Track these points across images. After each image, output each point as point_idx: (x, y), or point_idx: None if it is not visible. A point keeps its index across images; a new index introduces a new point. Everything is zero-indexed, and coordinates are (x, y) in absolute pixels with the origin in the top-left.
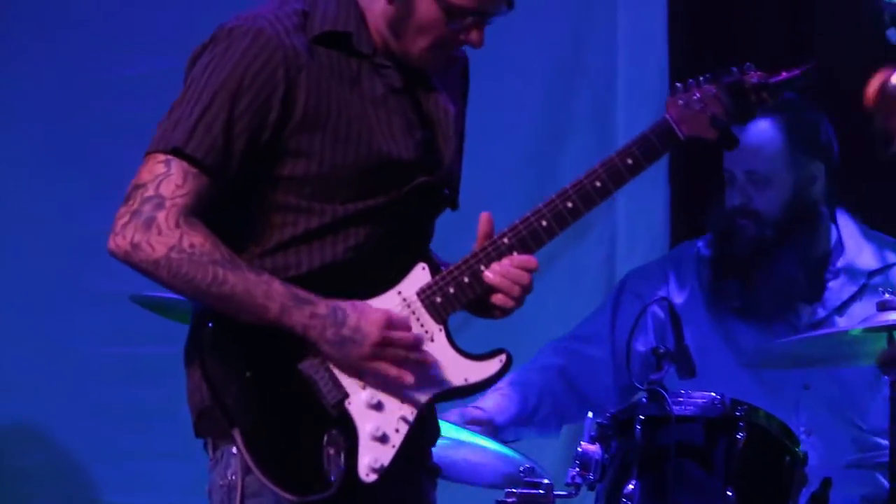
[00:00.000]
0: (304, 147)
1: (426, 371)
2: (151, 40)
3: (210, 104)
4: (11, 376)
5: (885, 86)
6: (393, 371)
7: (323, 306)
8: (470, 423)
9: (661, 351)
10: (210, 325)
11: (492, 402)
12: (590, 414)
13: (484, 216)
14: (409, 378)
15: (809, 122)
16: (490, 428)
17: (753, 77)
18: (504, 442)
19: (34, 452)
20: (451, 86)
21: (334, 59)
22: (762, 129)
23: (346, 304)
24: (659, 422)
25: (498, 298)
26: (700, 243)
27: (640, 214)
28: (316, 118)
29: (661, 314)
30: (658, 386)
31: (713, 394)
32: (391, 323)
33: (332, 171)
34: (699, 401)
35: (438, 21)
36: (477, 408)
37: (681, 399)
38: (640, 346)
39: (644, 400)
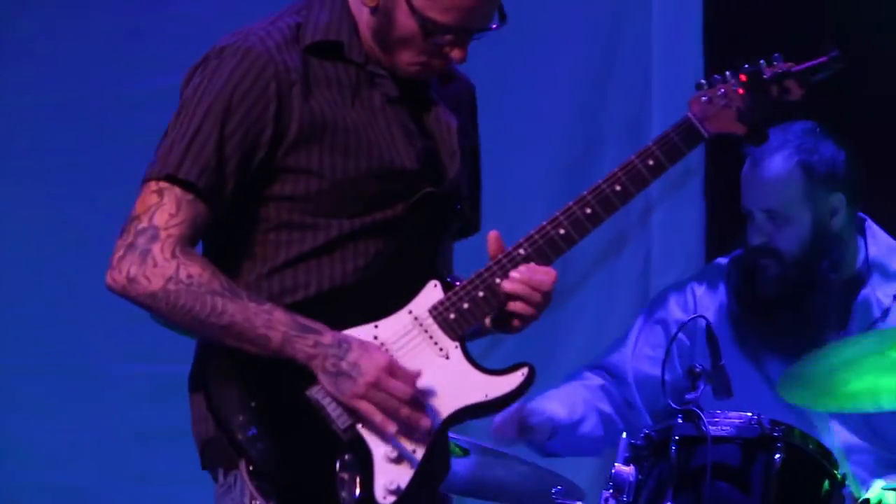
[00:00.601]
0: (303, 164)
1: (442, 389)
2: (173, 53)
3: (201, 125)
4: (31, 395)
5: None
6: (378, 417)
7: (329, 336)
8: (528, 428)
9: (698, 370)
10: (214, 354)
11: (545, 403)
12: (624, 434)
13: (492, 235)
14: (391, 429)
15: (826, 154)
16: (547, 424)
17: (779, 67)
18: (551, 455)
19: (54, 473)
20: (455, 103)
21: (330, 69)
22: (777, 166)
23: (354, 340)
24: (695, 442)
25: (517, 306)
26: (729, 266)
27: (675, 230)
28: (312, 133)
29: (686, 342)
30: (694, 405)
31: (750, 414)
32: (392, 370)
33: (334, 185)
34: (736, 421)
35: (417, 35)
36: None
37: (717, 419)
38: (666, 377)
39: (679, 420)
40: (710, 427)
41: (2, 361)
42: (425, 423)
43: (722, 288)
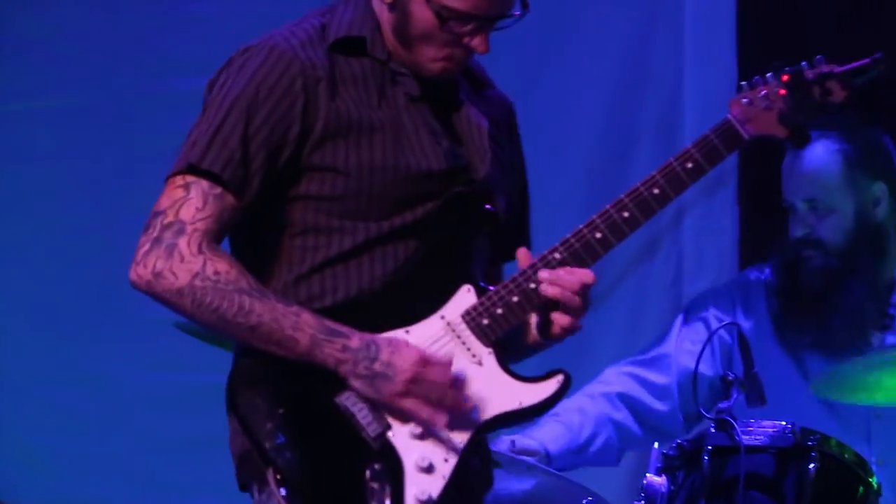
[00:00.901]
0: (329, 161)
1: (475, 396)
2: (194, 55)
3: (225, 119)
4: (52, 406)
5: None
6: (425, 412)
7: (356, 339)
8: (520, 453)
9: (730, 378)
10: (242, 360)
11: (545, 430)
12: (655, 444)
13: (521, 252)
14: (441, 421)
15: (868, 142)
16: (542, 458)
17: (822, 68)
18: (560, 470)
19: (76, 484)
20: (489, 114)
21: (356, 65)
22: (818, 155)
23: (380, 339)
24: (728, 452)
25: (555, 311)
26: (767, 269)
27: (707, 235)
28: (338, 130)
29: (728, 339)
30: (727, 414)
31: (783, 422)
32: (426, 360)
33: (360, 185)
34: (769, 430)
35: (434, 27)
36: (528, 437)
37: (750, 428)
38: (707, 372)
39: (712, 429)
40: (743, 436)
41: (24, 370)
42: (471, 401)
43: (761, 293)
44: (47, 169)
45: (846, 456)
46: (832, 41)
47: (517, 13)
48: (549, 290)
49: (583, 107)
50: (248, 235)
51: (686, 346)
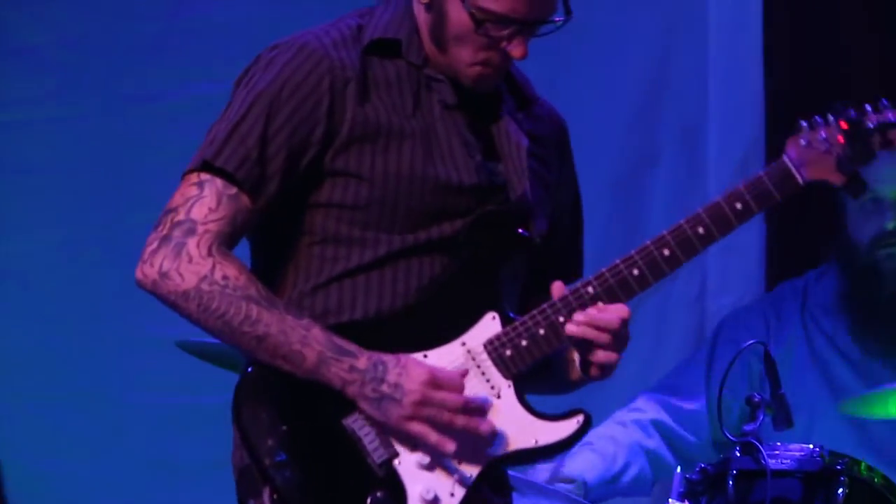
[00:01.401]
0: (353, 167)
1: (489, 429)
2: (203, 61)
3: (245, 116)
4: (51, 426)
5: None
6: (433, 436)
7: (364, 360)
8: (559, 482)
9: (756, 400)
10: (251, 370)
11: (580, 459)
12: (678, 469)
13: (556, 286)
14: (449, 447)
15: None
16: (580, 486)
17: (886, 116)
18: (594, 502)
19: None
20: (534, 130)
21: (390, 69)
22: None
23: (389, 358)
24: (753, 476)
25: (585, 348)
26: (810, 278)
27: (732, 252)
28: (364, 135)
29: (757, 361)
30: (752, 437)
31: (811, 445)
32: (436, 381)
33: (385, 194)
34: (796, 453)
35: (470, 29)
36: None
37: (777, 451)
38: (739, 395)
39: (737, 453)
40: (769, 460)
41: (21, 391)
42: (484, 427)
43: (797, 310)
44: (47, 181)
45: (876, 480)
46: (863, 47)
47: (558, 19)
48: (574, 329)
49: (603, 117)
50: (267, 241)
51: (717, 373)
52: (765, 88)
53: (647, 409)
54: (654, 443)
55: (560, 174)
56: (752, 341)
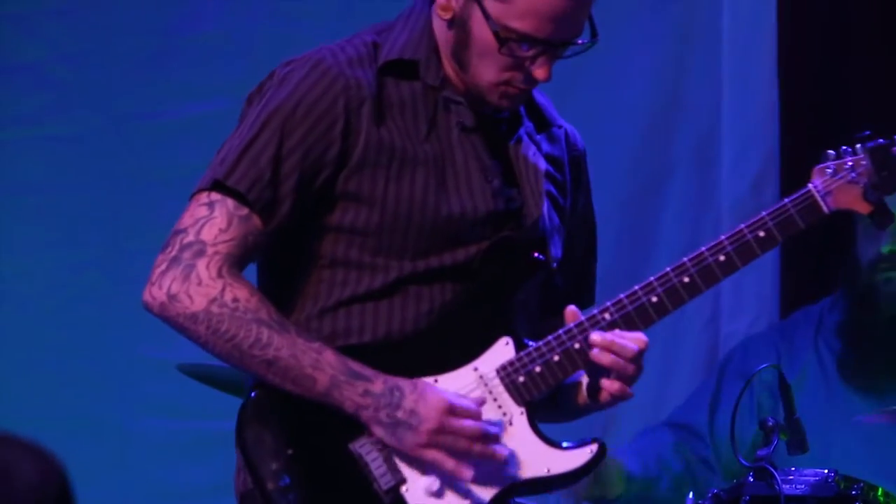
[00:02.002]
0: (365, 190)
1: (501, 457)
2: (203, 78)
3: (258, 135)
4: (54, 453)
5: None
6: (450, 463)
7: (379, 384)
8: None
9: (770, 424)
10: (253, 394)
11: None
12: (690, 494)
13: (570, 311)
14: (467, 474)
15: None
16: (620, 475)
17: None
18: None
19: None
20: (553, 150)
21: (406, 91)
22: None
23: (405, 384)
24: (767, 502)
25: (599, 376)
26: (826, 303)
27: (747, 272)
28: (378, 157)
29: (764, 391)
30: (766, 462)
31: (826, 470)
32: (453, 409)
33: (396, 219)
34: (811, 479)
35: (493, 48)
36: None
37: (791, 477)
38: (752, 424)
39: (750, 478)
40: (783, 485)
41: (22, 416)
42: (500, 454)
43: (810, 335)
44: (47, 200)
45: None
46: (876, 69)
47: (584, 41)
48: (601, 357)
49: (615, 135)
50: (275, 263)
51: (723, 413)
52: (780, 108)
53: (668, 436)
54: (680, 466)
55: (573, 200)
56: (766, 364)
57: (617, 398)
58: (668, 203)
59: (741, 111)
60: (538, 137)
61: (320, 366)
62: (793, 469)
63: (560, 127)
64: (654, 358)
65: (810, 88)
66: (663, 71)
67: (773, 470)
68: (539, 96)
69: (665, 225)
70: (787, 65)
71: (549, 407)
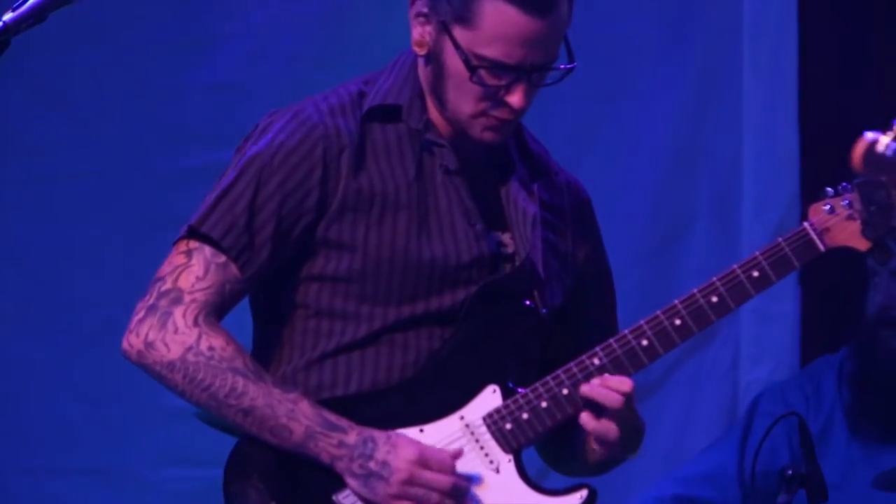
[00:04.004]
0: (346, 237)
1: None
2: (213, 127)
3: (235, 183)
4: (64, 502)
5: (869, 151)
6: None
7: (353, 435)
8: None
9: (790, 473)
10: (239, 446)
11: None
12: None
13: None
14: None
15: None
16: None
17: None
18: None
19: None
20: (550, 197)
21: (391, 136)
22: None
23: (379, 435)
24: None
25: (588, 422)
26: (845, 353)
27: (767, 320)
28: (358, 204)
29: (791, 436)
30: None
31: None
32: (425, 460)
33: (378, 267)
34: None
35: (465, 77)
36: None
37: None
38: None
39: None
40: None
41: (33, 465)
42: None
43: (833, 384)
44: (53, 244)
45: None
46: None
47: (561, 66)
48: (578, 401)
49: (635, 183)
50: (265, 313)
51: (751, 445)
52: (801, 153)
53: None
54: None
55: (582, 248)
56: (787, 412)
57: (605, 446)
58: (690, 251)
59: (762, 159)
60: (534, 185)
61: (296, 416)
62: None
63: (562, 177)
64: (674, 407)
65: (831, 134)
66: (683, 118)
67: None
68: (535, 145)
69: (686, 273)
70: (808, 111)
71: (570, 461)
